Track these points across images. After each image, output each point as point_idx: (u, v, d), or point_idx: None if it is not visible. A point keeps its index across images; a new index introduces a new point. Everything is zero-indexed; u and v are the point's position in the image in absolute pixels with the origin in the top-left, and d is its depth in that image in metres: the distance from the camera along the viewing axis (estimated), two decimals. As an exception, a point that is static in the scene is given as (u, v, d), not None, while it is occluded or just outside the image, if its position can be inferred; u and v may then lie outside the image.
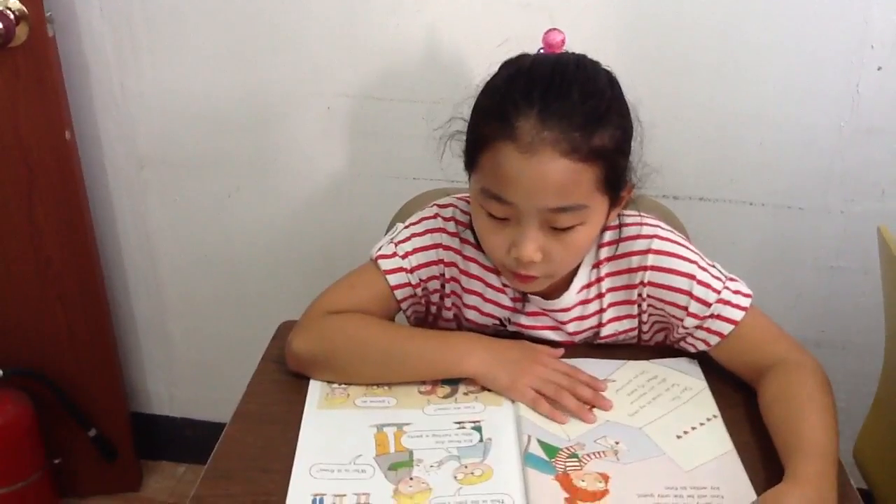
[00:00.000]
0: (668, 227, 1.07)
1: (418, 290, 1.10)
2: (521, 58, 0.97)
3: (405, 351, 1.01)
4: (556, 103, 0.89)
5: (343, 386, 1.01)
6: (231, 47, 1.55)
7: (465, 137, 0.98)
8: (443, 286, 1.11)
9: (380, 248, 1.09)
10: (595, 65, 0.96)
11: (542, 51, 0.99)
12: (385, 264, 1.08)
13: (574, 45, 0.99)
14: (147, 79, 1.61)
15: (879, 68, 1.39)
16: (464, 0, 1.45)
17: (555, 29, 0.98)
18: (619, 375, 1.03)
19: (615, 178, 0.94)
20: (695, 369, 1.05)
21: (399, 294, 1.08)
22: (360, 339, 1.02)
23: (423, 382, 1.01)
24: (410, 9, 1.46)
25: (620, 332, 1.09)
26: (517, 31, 1.43)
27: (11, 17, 1.43)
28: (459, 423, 0.94)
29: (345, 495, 0.84)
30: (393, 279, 1.08)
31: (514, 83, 0.93)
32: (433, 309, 1.15)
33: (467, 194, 1.03)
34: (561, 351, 1.04)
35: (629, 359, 1.06)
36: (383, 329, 1.04)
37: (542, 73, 0.93)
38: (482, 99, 0.96)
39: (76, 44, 1.59)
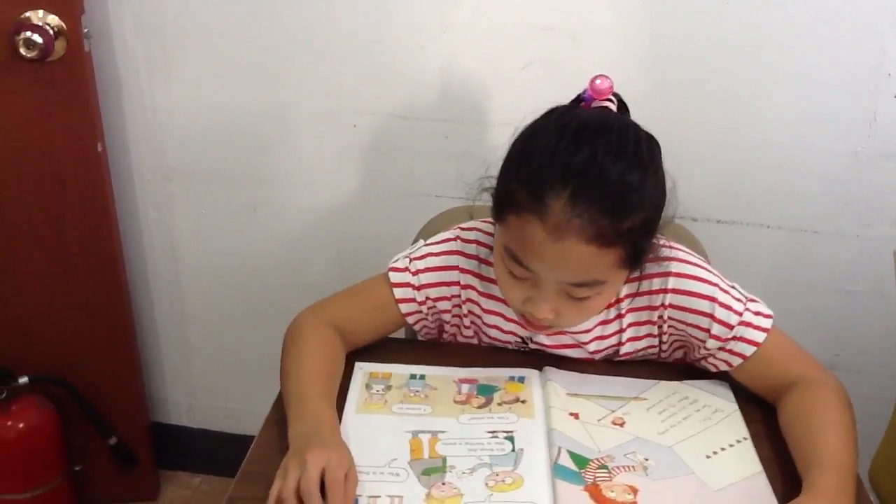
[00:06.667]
0: (688, 250, 1.07)
1: (424, 308, 1.10)
2: (565, 116, 0.93)
3: (288, 406, 0.96)
4: (589, 188, 0.87)
5: (381, 391, 1.03)
6: (259, 65, 1.58)
7: (495, 181, 0.96)
8: (459, 307, 1.12)
9: (396, 261, 1.11)
10: (638, 136, 0.93)
11: (587, 94, 0.96)
12: (395, 277, 1.09)
13: (596, 69, 0.98)
14: (177, 93, 1.64)
15: (896, 96, 1.42)
16: (488, 23, 1.47)
17: (603, 75, 0.95)
18: (650, 394, 1.04)
19: (639, 254, 0.94)
20: (726, 391, 1.05)
21: (404, 308, 1.09)
22: (288, 370, 1.01)
23: (459, 392, 1.03)
24: (436, 31, 1.49)
25: (640, 350, 1.10)
26: (540, 55, 1.47)
27: (51, 32, 1.45)
28: (492, 432, 0.96)
29: (379, 497, 0.86)
30: (399, 293, 1.09)
31: (552, 154, 0.89)
32: (447, 328, 1.16)
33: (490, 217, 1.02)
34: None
35: (659, 378, 1.07)
36: (309, 377, 0.99)
37: (582, 144, 0.89)
38: (518, 155, 0.94)
39: (110, 58, 1.61)
